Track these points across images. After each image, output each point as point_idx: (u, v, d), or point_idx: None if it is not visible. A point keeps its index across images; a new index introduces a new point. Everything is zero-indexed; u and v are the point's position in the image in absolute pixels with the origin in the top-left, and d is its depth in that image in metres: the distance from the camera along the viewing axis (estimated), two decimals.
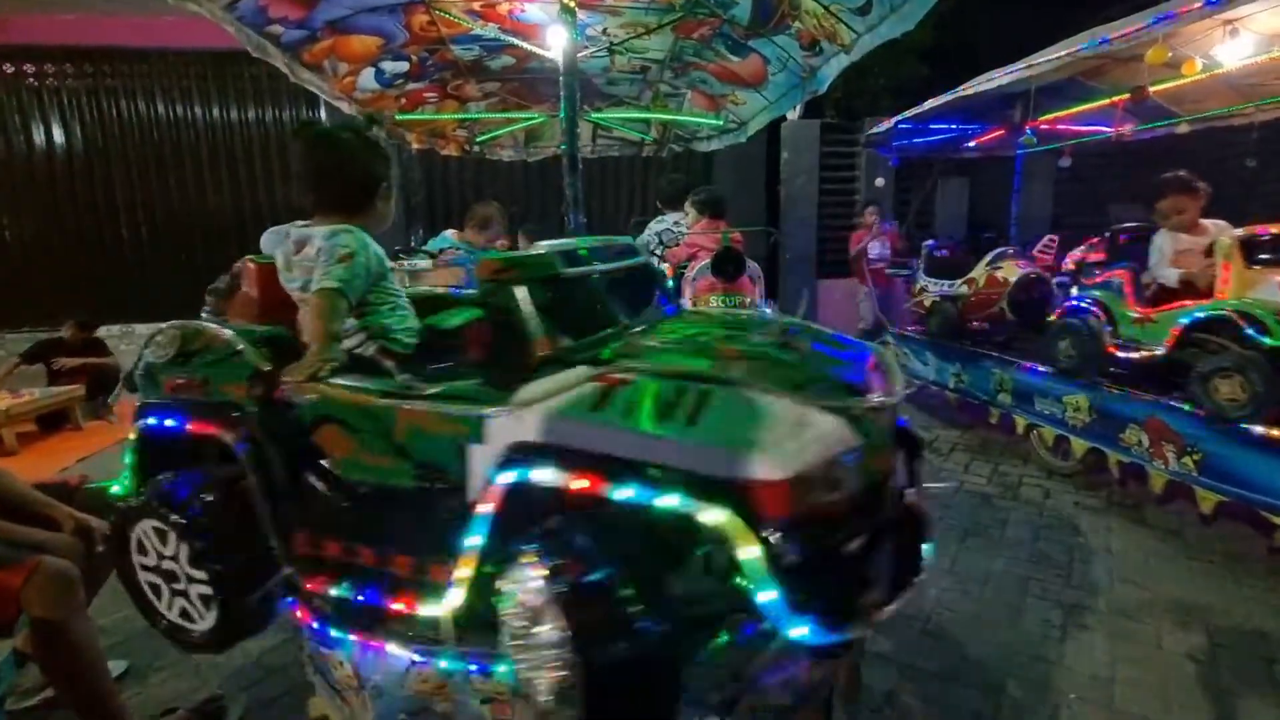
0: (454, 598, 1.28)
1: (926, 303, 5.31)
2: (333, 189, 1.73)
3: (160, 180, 8.07)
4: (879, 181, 7.22)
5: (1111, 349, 3.57)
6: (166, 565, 1.56)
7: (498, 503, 1.24)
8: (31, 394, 5.03)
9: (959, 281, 5.00)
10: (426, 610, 1.33)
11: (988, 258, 4.85)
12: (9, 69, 7.53)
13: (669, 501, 1.12)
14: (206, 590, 1.52)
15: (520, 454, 1.22)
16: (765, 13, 3.02)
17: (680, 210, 4.13)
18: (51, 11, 7.24)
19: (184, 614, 1.59)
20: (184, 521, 1.48)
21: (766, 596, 1.08)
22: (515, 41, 3.20)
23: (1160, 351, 3.31)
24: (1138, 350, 3.46)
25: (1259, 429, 2.75)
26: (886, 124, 5.41)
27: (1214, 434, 2.93)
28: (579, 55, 3.02)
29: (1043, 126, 5.18)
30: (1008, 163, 6.18)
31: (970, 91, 4.28)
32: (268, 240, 1.85)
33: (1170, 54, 3.05)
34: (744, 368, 1.39)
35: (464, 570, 1.27)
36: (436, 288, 2.44)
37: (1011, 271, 4.58)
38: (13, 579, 1.62)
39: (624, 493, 1.14)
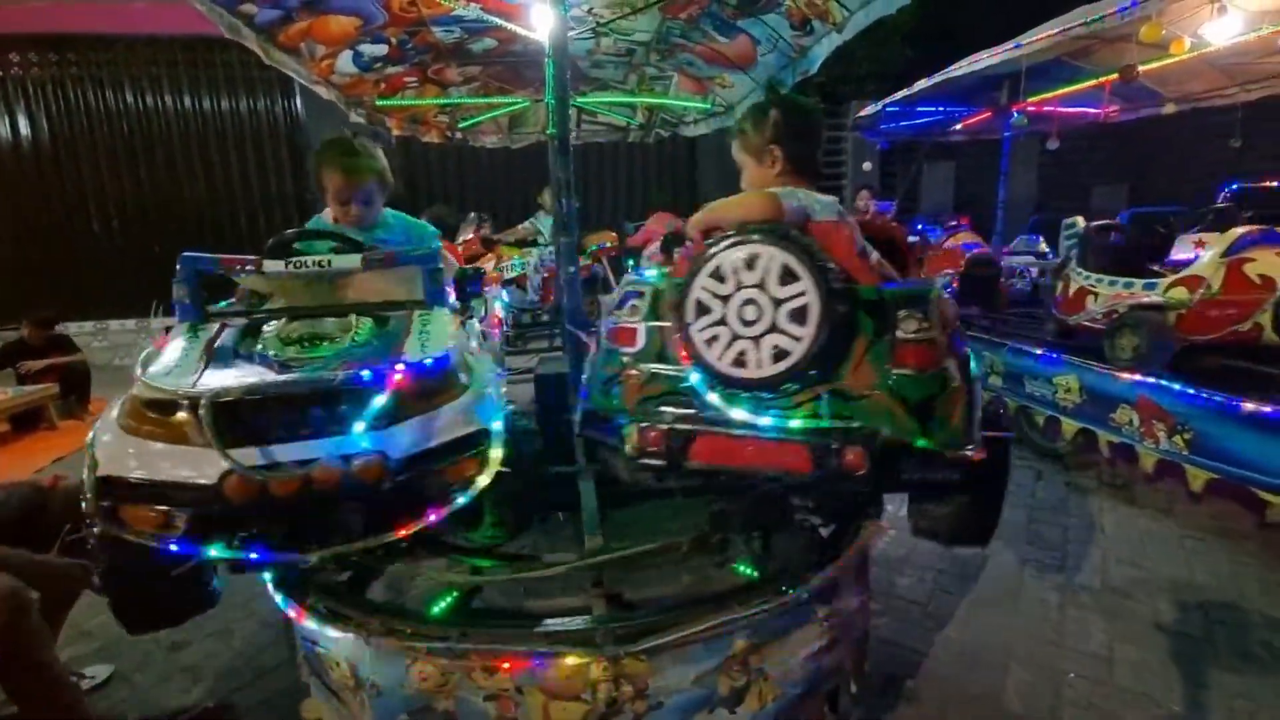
0: None
1: (1096, 310, 3.64)
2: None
3: (131, 172, 7.85)
4: (866, 165, 7.21)
5: None
6: None
7: None
8: (4, 393, 4.87)
9: (1166, 281, 3.34)
10: None
11: (1219, 246, 3.18)
12: None
13: None
14: None
15: None
16: None
17: None
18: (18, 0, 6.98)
19: None
20: None
21: None
22: (498, 22, 3.10)
23: None
24: None
25: (1250, 405, 2.77)
26: (874, 107, 5.38)
27: (1205, 412, 2.95)
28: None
29: (1029, 109, 5.19)
30: (993, 146, 6.19)
31: (959, 72, 4.26)
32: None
33: (1164, 31, 3.04)
34: None
35: None
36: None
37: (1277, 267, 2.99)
38: None
39: None
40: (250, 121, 8.05)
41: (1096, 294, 3.67)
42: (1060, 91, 4.90)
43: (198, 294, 1.62)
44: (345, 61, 3.48)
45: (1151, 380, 3.20)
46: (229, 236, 8.09)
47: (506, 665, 1.31)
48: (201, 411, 1.29)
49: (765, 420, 1.44)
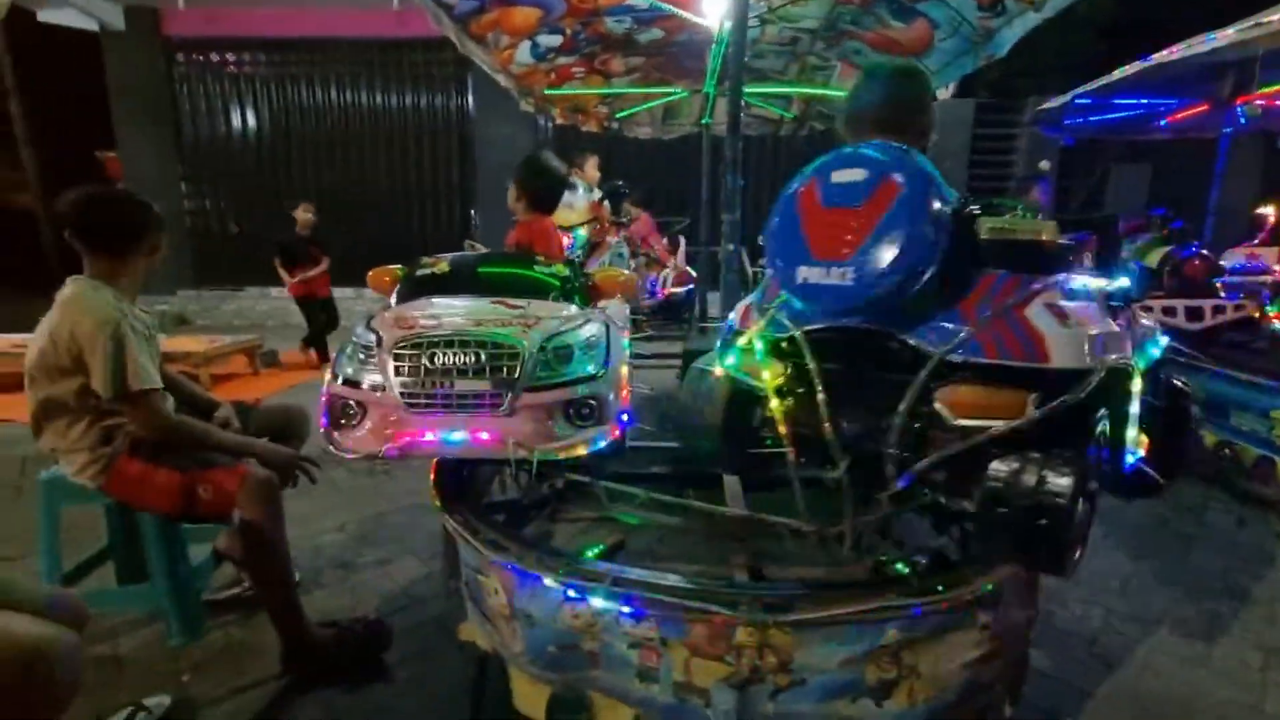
0: None
1: None
2: None
3: (329, 162, 8.94)
4: (1043, 164, 6.55)
5: None
6: None
7: None
8: (222, 340, 5.74)
9: None
10: None
11: None
12: (216, 58, 8.62)
13: None
14: None
15: None
16: None
17: None
18: (251, 6, 8.18)
19: None
20: None
21: None
22: (671, 9, 3.18)
23: None
24: None
25: None
26: (1062, 99, 4.89)
27: None
28: (725, 25, 2.98)
29: (1258, 102, 4.47)
30: (1196, 146, 5.42)
31: (1173, 58, 3.76)
32: None
33: None
34: None
35: None
36: None
37: None
38: (229, 482, 1.82)
39: None
40: (428, 116, 8.87)
41: None
42: None
43: None
44: (523, 52, 3.73)
45: None
46: (401, 223, 9.00)
47: (652, 614, 1.34)
48: None
49: None
